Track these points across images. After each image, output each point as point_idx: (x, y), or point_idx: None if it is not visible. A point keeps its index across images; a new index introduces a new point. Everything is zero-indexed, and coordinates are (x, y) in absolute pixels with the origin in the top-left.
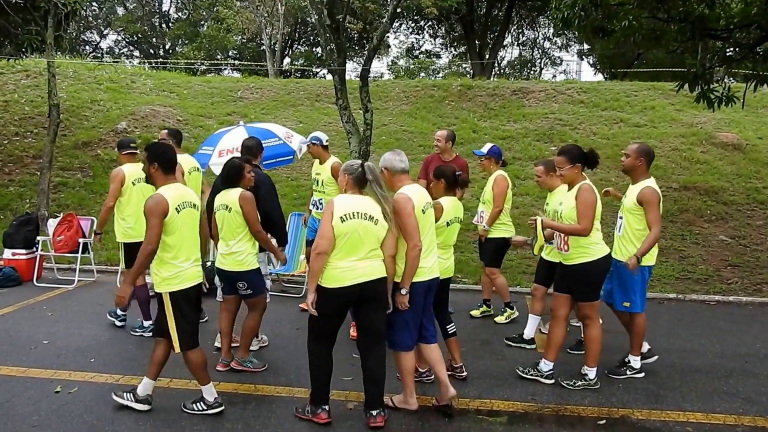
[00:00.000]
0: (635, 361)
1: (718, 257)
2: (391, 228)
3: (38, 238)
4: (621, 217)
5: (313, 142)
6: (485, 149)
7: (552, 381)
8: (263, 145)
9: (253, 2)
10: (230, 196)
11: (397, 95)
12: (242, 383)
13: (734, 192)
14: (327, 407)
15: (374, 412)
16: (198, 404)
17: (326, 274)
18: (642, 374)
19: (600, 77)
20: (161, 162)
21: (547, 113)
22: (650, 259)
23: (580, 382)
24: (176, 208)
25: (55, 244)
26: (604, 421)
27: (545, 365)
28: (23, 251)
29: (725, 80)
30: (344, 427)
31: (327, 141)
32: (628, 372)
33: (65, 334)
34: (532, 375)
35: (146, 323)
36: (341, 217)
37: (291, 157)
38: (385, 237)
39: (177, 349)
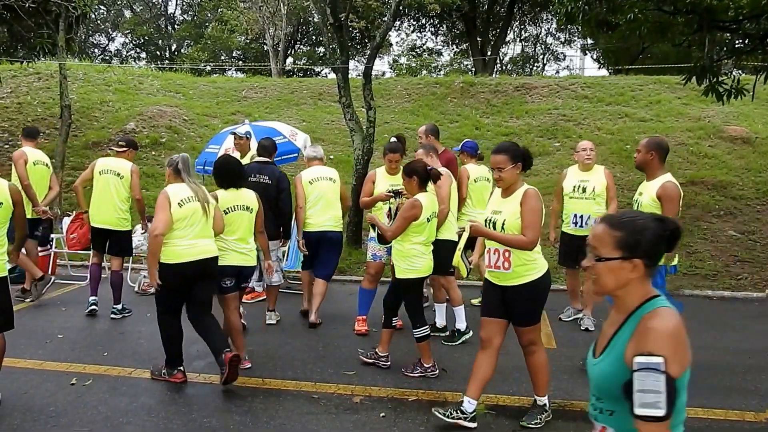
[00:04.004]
0: None
1: (726, 253)
2: (210, 210)
3: (52, 235)
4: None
5: (247, 136)
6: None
7: (475, 424)
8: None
9: (256, 3)
10: (250, 197)
11: (400, 93)
12: (250, 377)
13: (743, 186)
14: (182, 368)
15: (227, 350)
16: None
17: (170, 252)
18: None
19: (604, 72)
20: None
21: (551, 109)
22: (672, 259)
23: (542, 416)
24: None
25: (69, 242)
26: None
27: (469, 404)
28: (38, 248)
29: (734, 72)
30: (351, 420)
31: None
32: None
33: (79, 329)
34: (454, 418)
35: (117, 306)
36: (179, 203)
37: (296, 154)
38: (214, 216)
39: None
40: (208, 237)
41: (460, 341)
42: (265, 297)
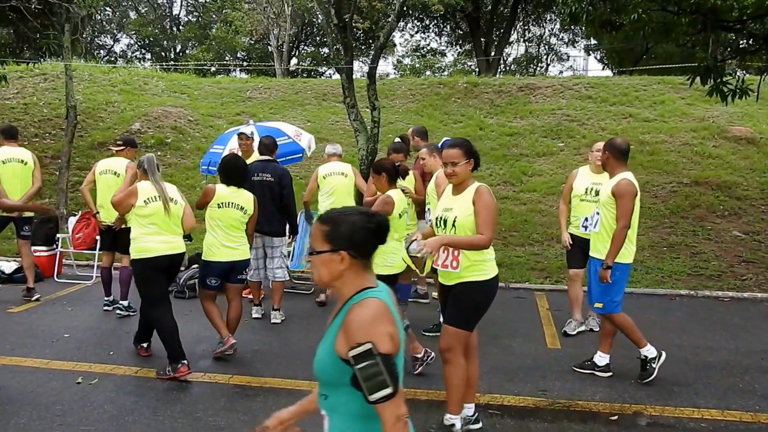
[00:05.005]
0: (649, 351)
1: (731, 253)
2: (171, 207)
3: (58, 235)
4: (597, 213)
5: (252, 137)
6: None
7: (479, 425)
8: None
9: (260, 4)
10: (247, 199)
11: (404, 93)
12: (255, 376)
13: (748, 187)
14: (185, 361)
15: (185, 361)
16: None
17: (141, 247)
18: (664, 354)
19: (608, 72)
20: None
21: (555, 109)
22: (626, 258)
23: None
24: None
25: (74, 241)
26: (616, 417)
27: (468, 410)
28: (44, 248)
29: (738, 73)
30: None
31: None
32: (654, 365)
33: (85, 328)
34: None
35: (124, 302)
36: (145, 201)
37: (300, 155)
38: (183, 213)
39: None
40: (176, 234)
41: None
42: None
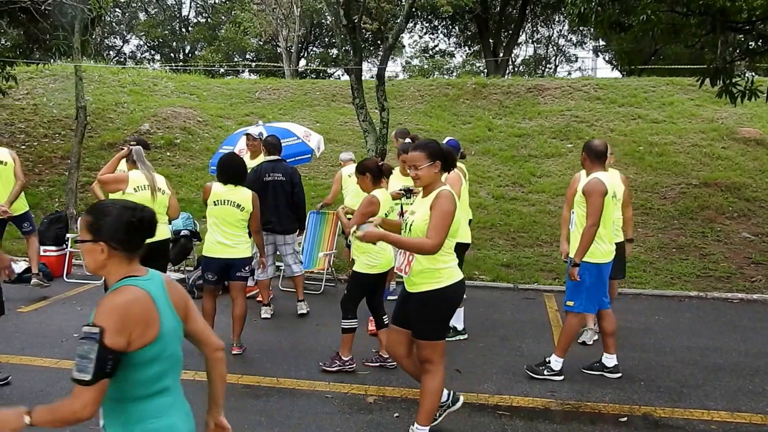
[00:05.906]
0: (556, 362)
1: (740, 254)
2: (157, 195)
3: (68, 235)
4: (573, 212)
5: (260, 137)
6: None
7: (461, 400)
8: (282, 144)
9: (269, 5)
10: (245, 196)
11: (412, 94)
12: (264, 376)
13: (757, 188)
14: None
15: None
16: None
17: None
18: (561, 377)
19: (616, 74)
20: None
21: (563, 110)
22: (598, 257)
23: None
24: None
25: None
26: (625, 419)
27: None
28: (54, 248)
29: (747, 74)
30: (365, 420)
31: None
32: (545, 372)
33: None
34: (441, 414)
35: None
36: (135, 188)
37: (309, 155)
38: (169, 203)
39: None
40: (161, 222)
41: (453, 339)
42: (255, 292)
